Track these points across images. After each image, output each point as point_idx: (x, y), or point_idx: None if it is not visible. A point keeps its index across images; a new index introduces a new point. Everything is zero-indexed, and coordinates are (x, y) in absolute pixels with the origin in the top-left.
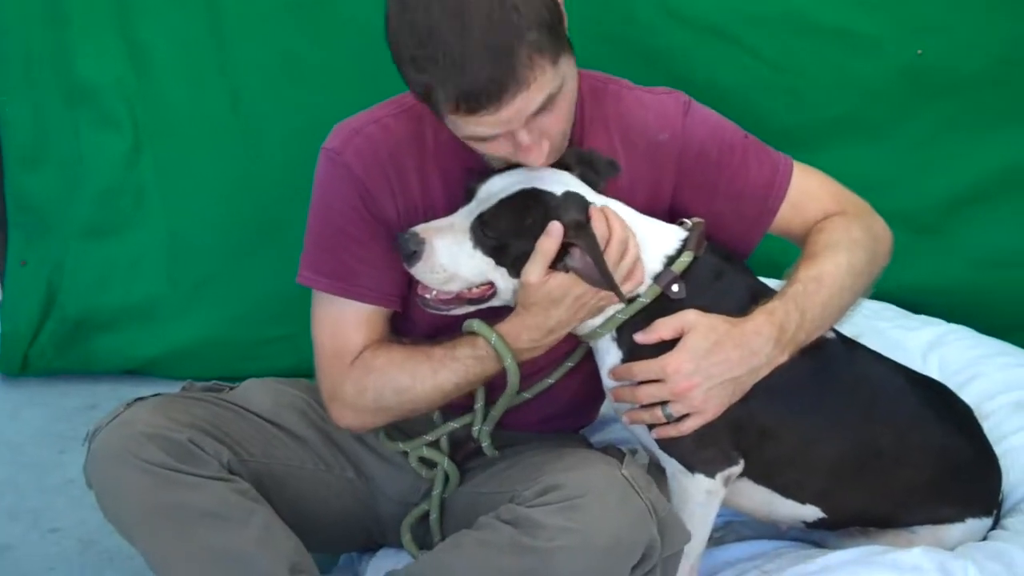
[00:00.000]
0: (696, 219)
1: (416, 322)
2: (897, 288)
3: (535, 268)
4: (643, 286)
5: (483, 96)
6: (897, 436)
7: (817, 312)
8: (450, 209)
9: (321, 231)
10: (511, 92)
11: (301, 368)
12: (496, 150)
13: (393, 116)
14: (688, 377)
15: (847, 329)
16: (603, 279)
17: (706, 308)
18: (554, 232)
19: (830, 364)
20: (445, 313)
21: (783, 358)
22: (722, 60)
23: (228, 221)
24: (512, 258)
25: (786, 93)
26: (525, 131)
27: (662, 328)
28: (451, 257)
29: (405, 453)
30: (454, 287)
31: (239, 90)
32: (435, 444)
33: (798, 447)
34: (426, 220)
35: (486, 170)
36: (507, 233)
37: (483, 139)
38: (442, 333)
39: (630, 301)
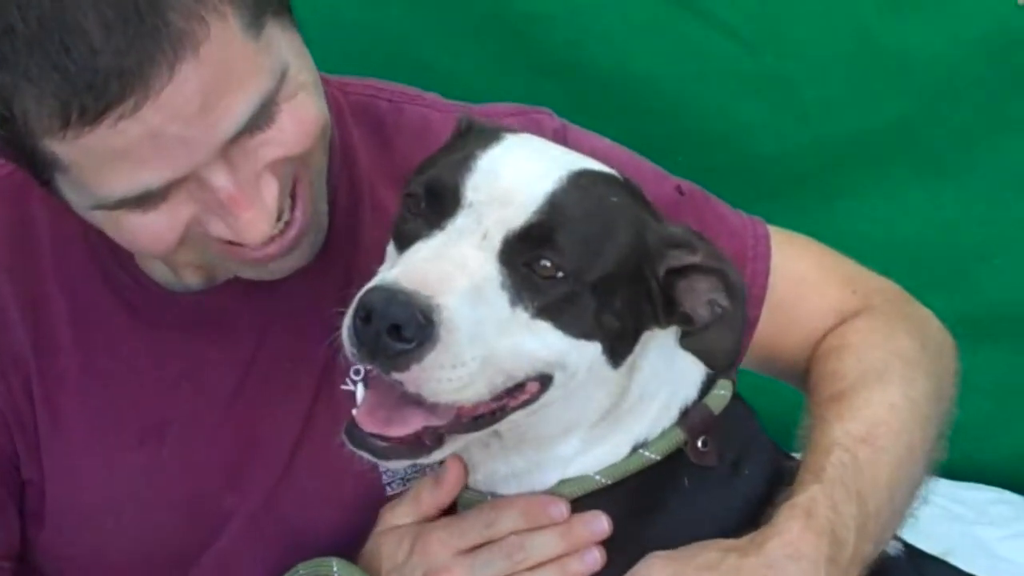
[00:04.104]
0: None
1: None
2: (1011, 462)
3: None
4: (655, 426)
5: (112, 81)
6: None
7: (883, 497)
8: (91, 374)
9: None
10: (165, 64)
11: None
12: (166, 227)
13: None
14: None
15: (930, 543)
16: (736, 329)
17: (722, 495)
18: None
19: None
20: (413, 461)
21: None
22: (664, 40)
23: None
24: (597, 319)
25: (780, 92)
26: (226, 167)
27: None
28: (478, 328)
29: None
30: (474, 393)
31: None
32: None
33: None
34: (44, 403)
35: (465, 152)
36: (588, 266)
37: (145, 201)
38: None
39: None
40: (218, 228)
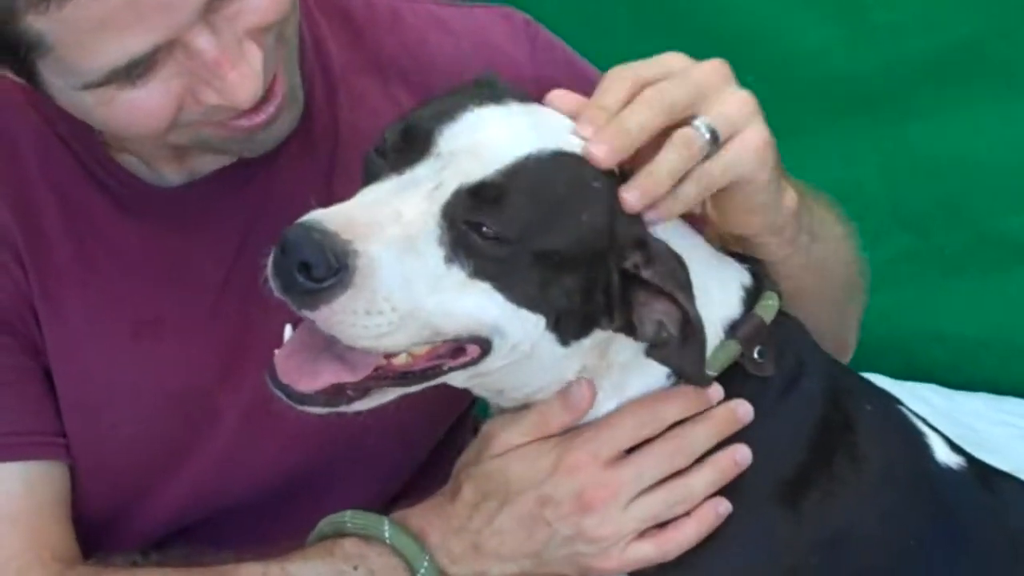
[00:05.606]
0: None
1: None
2: None
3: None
4: (710, 341)
5: None
6: None
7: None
8: (85, 266)
9: None
10: None
11: None
12: (160, 102)
13: None
14: None
15: (1007, 463)
16: (693, 360)
17: (778, 412)
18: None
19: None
20: (347, 408)
21: None
22: None
23: None
24: (543, 290)
25: (851, 13)
26: (207, 30)
27: None
28: (404, 281)
29: None
30: (394, 343)
31: None
32: None
33: None
34: (43, 299)
35: (440, 110)
36: (539, 235)
37: (133, 72)
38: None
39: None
40: (209, 96)
